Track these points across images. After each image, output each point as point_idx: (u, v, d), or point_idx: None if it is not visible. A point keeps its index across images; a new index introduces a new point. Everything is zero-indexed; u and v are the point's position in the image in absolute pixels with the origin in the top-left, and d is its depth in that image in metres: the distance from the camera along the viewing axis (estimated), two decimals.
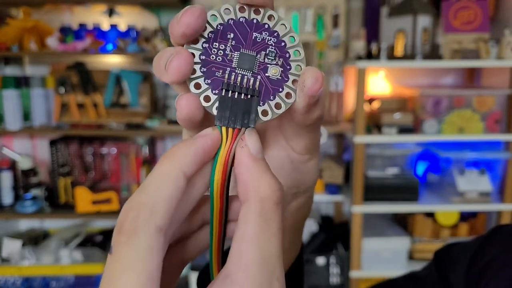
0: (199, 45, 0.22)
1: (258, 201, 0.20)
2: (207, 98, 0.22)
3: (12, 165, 1.82)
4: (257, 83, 0.22)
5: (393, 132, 1.55)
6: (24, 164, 1.80)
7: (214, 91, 0.22)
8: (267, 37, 0.23)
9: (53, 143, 1.77)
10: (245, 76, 0.22)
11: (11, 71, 1.89)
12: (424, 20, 1.56)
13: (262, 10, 0.23)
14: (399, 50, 1.58)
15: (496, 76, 1.72)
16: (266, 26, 0.23)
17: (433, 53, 1.56)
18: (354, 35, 1.65)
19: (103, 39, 1.74)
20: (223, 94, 0.22)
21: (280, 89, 0.23)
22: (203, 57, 0.22)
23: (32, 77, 1.76)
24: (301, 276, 0.36)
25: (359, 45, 1.60)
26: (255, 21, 0.23)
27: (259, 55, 0.23)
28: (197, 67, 0.22)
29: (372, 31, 1.71)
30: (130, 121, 1.74)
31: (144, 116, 1.75)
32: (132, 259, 0.18)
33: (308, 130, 0.25)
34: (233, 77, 0.22)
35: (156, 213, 0.19)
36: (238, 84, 0.22)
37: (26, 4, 1.74)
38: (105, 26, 1.80)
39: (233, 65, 0.22)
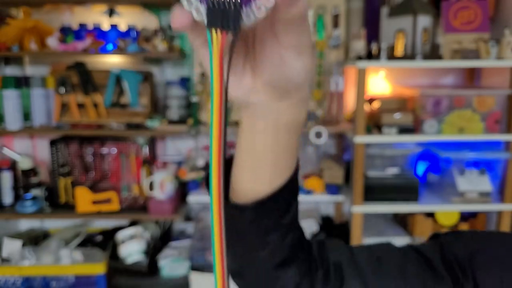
0: None
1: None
2: (197, 10, 0.25)
3: (12, 165, 1.82)
4: None
5: (393, 132, 1.55)
6: (24, 164, 1.80)
7: (202, 3, 0.25)
8: None
9: (53, 143, 1.77)
10: None
11: (11, 71, 1.89)
12: (424, 20, 1.56)
13: None
14: (399, 50, 1.58)
15: (496, 76, 1.72)
16: None
17: (433, 53, 1.56)
18: (354, 35, 1.65)
19: (103, 39, 1.74)
20: (210, 4, 0.25)
21: None
22: None
23: (32, 77, 1.76)
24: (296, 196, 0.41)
25: (359, 45, 1.60)
26: None
27: None
28: None
29: (372, 31, 1.70)
30: (130, 121, 1.73)
31: (144, 116, 1.75)
32: None
33: (295, 25, 0.28)
34: None
35: None
36: None
37: (26, 4, 1.74)
38: (105, 26, 1.80)
39: None
